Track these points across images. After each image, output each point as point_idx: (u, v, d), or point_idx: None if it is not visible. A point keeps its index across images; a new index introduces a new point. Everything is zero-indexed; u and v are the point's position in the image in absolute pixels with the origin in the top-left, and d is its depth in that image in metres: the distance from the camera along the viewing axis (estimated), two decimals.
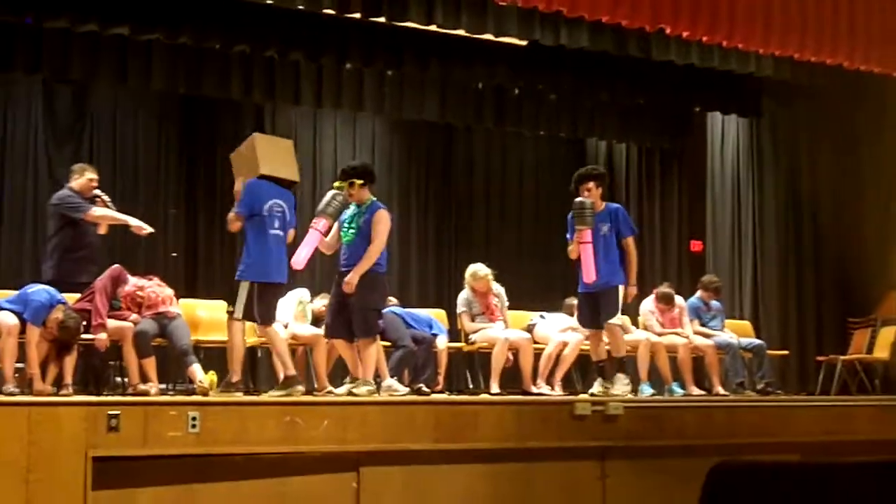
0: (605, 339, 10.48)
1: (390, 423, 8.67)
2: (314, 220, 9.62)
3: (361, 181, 9.67)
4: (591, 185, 10.53)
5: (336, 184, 9.77)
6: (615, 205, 10.77)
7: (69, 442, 7.53)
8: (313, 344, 10.30)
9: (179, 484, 7.93)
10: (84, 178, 10.60)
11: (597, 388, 10.33)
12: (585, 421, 9.42)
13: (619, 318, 10.49)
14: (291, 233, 9.51)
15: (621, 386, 10.28)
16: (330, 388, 9.96)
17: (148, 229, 10.77)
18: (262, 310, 9.26)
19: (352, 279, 9.27)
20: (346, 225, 9.63)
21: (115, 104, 14.02)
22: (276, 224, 9.31)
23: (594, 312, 10.46)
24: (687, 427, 9.98)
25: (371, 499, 8.51)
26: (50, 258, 10.57)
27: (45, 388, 8.90)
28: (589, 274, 10.24)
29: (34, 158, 13.42)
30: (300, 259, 9.50)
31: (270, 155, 9.59)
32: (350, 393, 9.27)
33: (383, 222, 9.58)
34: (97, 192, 10.66)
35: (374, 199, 9.81)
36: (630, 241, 10.51)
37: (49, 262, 10.55)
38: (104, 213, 10.58)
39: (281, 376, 9.58)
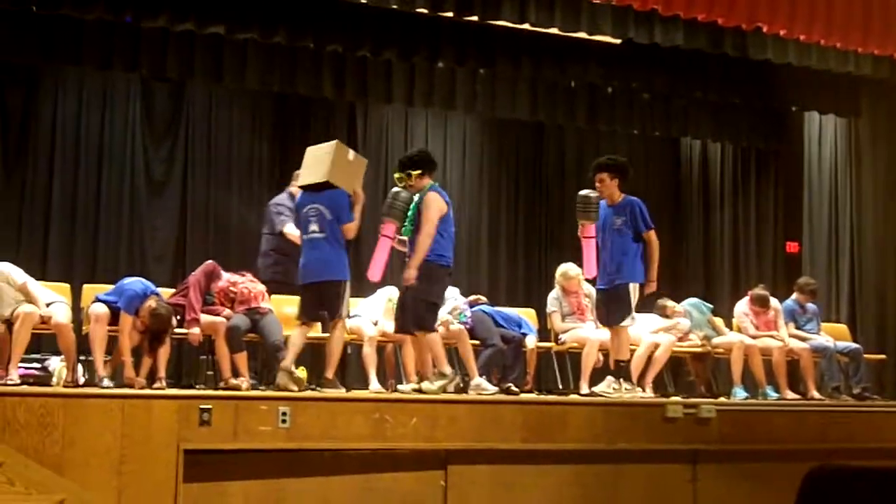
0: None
1: (478, 422, 8.67)
2: (382, 226, 9.53)
3: (419, 171, 9.44)
4: (605, 176, 10.23)
5: (395, 175, 9.67)
6: (633, 198, 10.31)
7: (161, 435, 7.64)
8: (402, 341, 10.29)
9: (269, 478, 8.01)
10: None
11: (603, 386, 10.09)
12: (677, 423, 9.36)
13: (631, 319, 10.11)
14: (350, 226, 9.40)
15: (606, 387, 10.03)
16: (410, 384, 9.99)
17: None
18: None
19: (408, 273, 9.12)
20: (408, 217, 9.46)
21: (211, 102, 14.14)
22: (311, 227, 9.34)
23: (608, 311, 10.26)
24: (780, 431, 9.87)
25: (458, 497, 8.51)
26: (266, 257, 11.15)
27: (136, 378, 9.02)
28: (589, 269, 10.14)
29: (131, 156, 13.59)
30: (375, 272, 9.50)
31: (341, 165, 9.53)
32: (419, 390, 9.17)
33: (432, 206, 9.25)
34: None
35: (433, 184, 9.50)
36: (650, 235, 10.16)
37: (265, 261, 11.13)
38: (293, 235, 10.59)
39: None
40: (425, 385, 9.17)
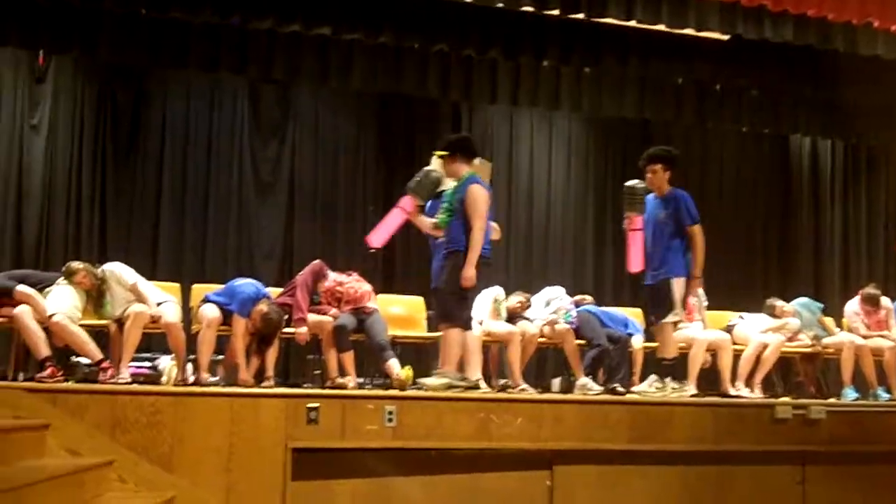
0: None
1: (584, 422, 8.63)
2: (402, 198, 9.33)
3: (451, 153, 9.18)
4: (659, 167, 9.92)
5: (435, 153, 9.42)
6: (680, 191, 9.93)
7: (270, 433, 7.72)
8: (507, 341, 10.28)
9: (375, 476, 8.02)
10: None
11: (644, 385, 9.86)
12: (786, 424, 9.24)
13: (675, 315, 9.76)
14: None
15: (647, 386, 9.76)
16: (524, 385, 9.95)
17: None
18: None
19: (467, 272, 8.78)
20: (441, 204, 9.18)
21: (317, 103, 14.24)
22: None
23: (652, 306, 10.01)
24: (892, 432, 9.67)
25: (565, 497, 8.48)
26: None
27: (248, 379, 9.13)
28: (634, 263, 9.85)
29: (239, 156, 13.74)
30: (378, 238, 9.37)
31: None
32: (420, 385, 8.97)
33: (480, 200, 8.92)
34: None
35: (472, 174, 9.17)
36: (695, 230, 9.73)
37: None
38: None
39: None
40: (425, 379, 8.98)
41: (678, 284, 9.69)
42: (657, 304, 9.80)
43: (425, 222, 9.27)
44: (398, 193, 13.65)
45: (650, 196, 9.95)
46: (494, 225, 9.46)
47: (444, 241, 9.04)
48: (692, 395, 10.24)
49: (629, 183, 9.98)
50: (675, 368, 9.98)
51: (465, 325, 9.06)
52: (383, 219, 9.42)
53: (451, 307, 8.98)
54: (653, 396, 9.51)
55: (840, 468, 9.32)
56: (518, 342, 10.29)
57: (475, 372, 9.07)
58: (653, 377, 9.79)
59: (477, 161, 9.61)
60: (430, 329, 11.25)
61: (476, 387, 8.93)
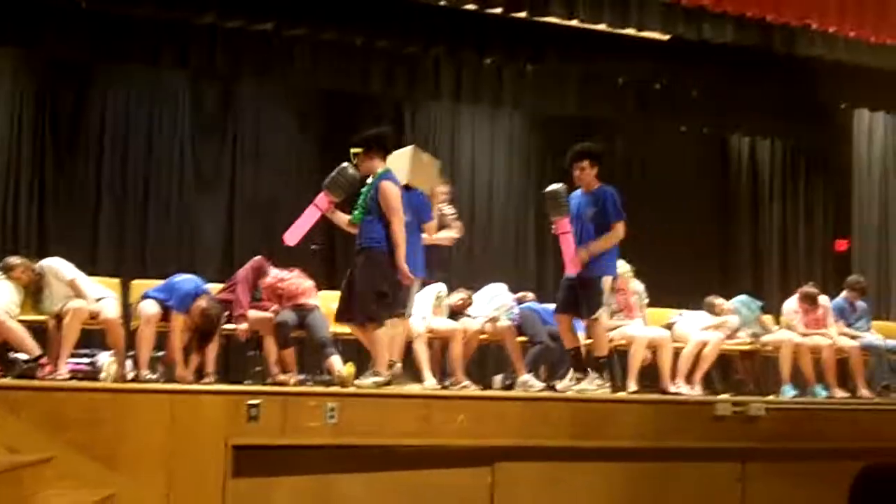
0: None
1: (526, 420, 8.66)
2: (318, 196, 9.27)
3: (367, 149, 9.10)
4: (586, 163, 9.79)
5: (352, 150, 9.24)
6: (608, 188, 9.83)
7: (210, 430, 7.68)
8: (449, 337, 10.29)
9: (317, 474, 8.01)
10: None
11: (565, 382, 9.72)
12: (726, 421, 9.31)
13: (604, 311, 9.77)
14: (431, 225, 9.55)
15: (588, 384, 9.51)
16: (466, 382, 9.95)
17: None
18: None
19: (402, 270, 8.78)
20: (358, 203, 9.14)
21: (259, 100, 14.19)
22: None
23: (577, 303, 9.75)
24: (830, 430, 9.77)
25: (506, 494, 8.50)
26: None
27: (186, 375, 9.10)
28: (571, 266, 9.62)
29: (180, 152, 13.67)
30: (293, 236, 9.31)
31: (418, 168, 9.66)
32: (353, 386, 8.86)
33: (392, 196, 8.84)
34: (441, 205, 10.82)
35: (386, 170, 9.09)
36: (618, 227, 9.69)
37: None
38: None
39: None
40: (360, 380, 8.90)
41: (607, 283, 9.73)
42: (584, 300, 9.66)
43: (342, 219, 9.27)
44: None
45: (577, 192, 9.88)
46: (458, 224, 9.47)
47: (357, 238, 9.00)
48: (633, 392, 10.31)
49: (550, 188, 9.85)
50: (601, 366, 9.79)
51: (396, 317, 9.01)
52: (299, 216, 9.35)
53: (367, 305, 8.85)
54: (572, 389, 9.43)
55: (779, 465, 9.39)
56: (460, 339, 10.30)
57: (384, 369, 8.89)
58: (593, 375, 9.60)
59: (426, 158, 9.62)
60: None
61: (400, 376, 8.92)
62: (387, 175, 9.00)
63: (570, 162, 9.89)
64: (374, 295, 8.79)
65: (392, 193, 8.84)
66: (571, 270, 9.62)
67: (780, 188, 16.10)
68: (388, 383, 8.69)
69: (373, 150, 9.08)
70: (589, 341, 10.00)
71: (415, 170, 9.55)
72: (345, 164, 9.24)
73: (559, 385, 9.80)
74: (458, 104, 14.14)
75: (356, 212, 9.06)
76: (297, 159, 14.24)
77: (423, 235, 9.64)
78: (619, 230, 9.66)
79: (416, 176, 9.52)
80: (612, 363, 10.32)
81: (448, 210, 10.64)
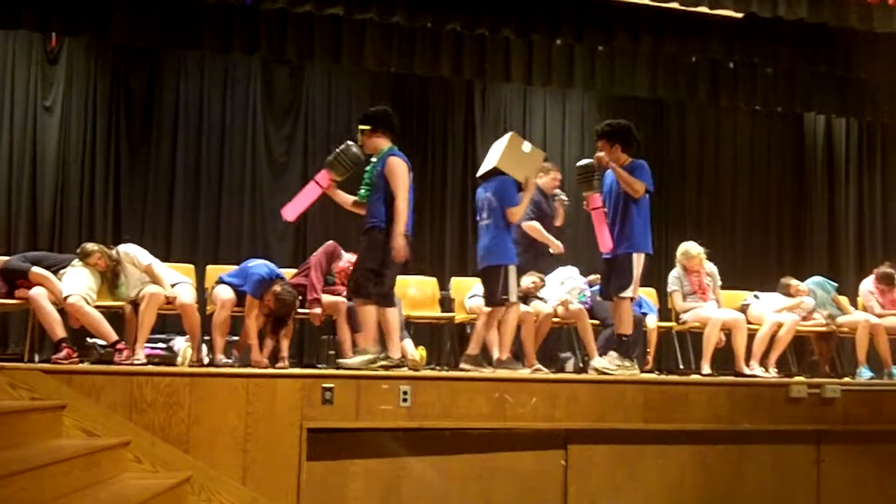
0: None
1: (599, 402, 8.65)
2: (319, 173, 9.32)
3: (369, 127, 9.12)
4: (602, 143, 9.70)
5: (360, 128, 9.23)
6: (639, 161, 9.72)
7: (285, 413, 7.77)
8: (521, 321, 10.25)
9: (390, 457, 8.05)
10: (548, 176, 11.09)
11: (605, 362, 9.48)
12: (801, 404, 9.24)
13: (630, 291, 9.53)
14: (514, 210, 9.46)
15: (609, 363, 9.41)
16: (538, 365, 9.94)
17: (560, 249, 10.86)
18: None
19: (397, 242, 8.72)
20: (364, 180, 9.19)
21: (330, 83, 14.23)
22: (482, 215, 9.49)
23: (608, 280, 9.79)
24: None
25: (578, 476, 8.51)
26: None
27: (261, 359, 9.15)
28: (604, 242, 9.58)
29: (252, 137, 13.73)
30: (291, 212, 9.28)
31: (513, 155, 9.62)
32: (339, 365, 8.89)
33: (400, 173, 8.86)
34: (557, 191, 11.15)
35: (392, 147, 9.09)
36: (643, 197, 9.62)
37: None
38: (532, 227, 10.76)
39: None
40: (344, 361, 8.90)
41: (638, 260, 9.56)
42: (616, 278, 9.60)
43: (343, 198, 9.33)
44: (412, 173, 13.76)
45: (609, 171, 9.78)
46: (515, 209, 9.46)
47: (365, 218, 9.03)
48: (707, 375, 10.26)
49: (580, 162, 9.86)
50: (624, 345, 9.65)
51: (382, 301, 8.90)
52: (299, 192, 9.37)
53: (359, 282, 8.85)
54: (615, 374, 9.28)
55: (855, 447, 9.34)
56: (532, 322, 10.28)
57: (396, 350, 8.91)
58: (613, 354, 9.52)
59: (527, 147, 9.61)
60: (443, 309, 11.27)
61: (399, 365, 8.83)
62: (393, 151, 9.02)
63: (596, 141, 9.83)
64: (364, 272, 8.81)
65: (399, 168, 8.86)
66: (605, 248, 9.59)
67: (855, 167, 15.88)
68: (374, 361, 8.64)
69: (378, 128, 9.10)
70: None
71: (508, 155, 9.55)
72: (349, 142, 9.28)
73: (593, 363, 9.69)
74: (528, 85, 14.07)
75: (362, 190, 9.15)
76: None
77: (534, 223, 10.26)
78: (644, 200, 9.61)
79: (509, 162, 9.53)
80: (633, 344, 10.07)
81: (563, 197, 10.98)
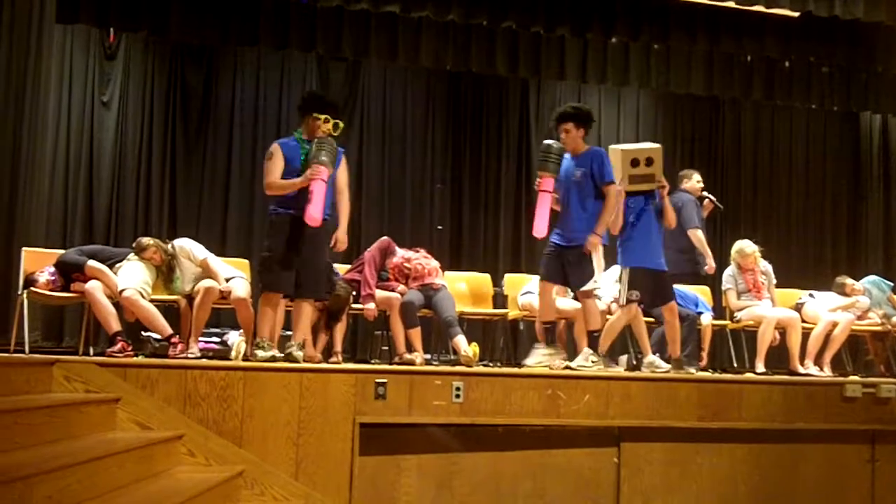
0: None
1: (652, 400, 8.62)
2: (539, 181, 9.28)
3: (573, 124, 9.28)
4: (571, 125, 9.44)
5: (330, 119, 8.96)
6: (597, 148, 9.62)
7: (338, 408, 7.79)
8: (575, 318, 10.24)
9: (443, 452, 8.06)
10: (692, 181, 11.66)
11: (580, 360, 9.34)
12: (856, 403, 9.17)
13: (595, 282, 9.41)
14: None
15: (583, 360, 9.27)
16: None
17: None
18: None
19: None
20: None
21: (385, 80, 14.27)
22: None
23: (566, 273, 9.50)
24: None
25: (632, 474, 8.49)
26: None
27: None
28: (538, 227, 9.19)
29: None
30: (541, 228, 9.18)
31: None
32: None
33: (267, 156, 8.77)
34: (704, 192, 11.66)
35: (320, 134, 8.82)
36: (611, 189, 9.34)
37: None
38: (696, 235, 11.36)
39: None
40: (257, 352, 8.58)
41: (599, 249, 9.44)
42: (572, 270, 9.41)
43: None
44: (466, 170, 13.77)
45: (566, 156, 9.55)
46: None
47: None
48: (761, 374, 10.21)
49: (546, 141, 9.52)
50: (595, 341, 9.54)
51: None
52: (536, 208, 9.24)
53: (261, 271, 8.80)
54: (589, 370, 9.11)
55: None
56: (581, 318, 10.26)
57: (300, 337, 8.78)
58: (587, 351, 9.40)
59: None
60: (495, 306, 11.28)
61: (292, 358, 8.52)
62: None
63: (553, 125, 9.69)
64: (264, 259, 8.77)
65: (269, 156, 8.79)
66: (539, 233, 9.26)
67: None
68: (272, 358, 8.38)
69: (304, 113, 8.94)
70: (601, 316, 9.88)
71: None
72: (547, 141, 9.33)
73: (574, 363, 9.42)
74: (584, 83, 14.04)
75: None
76: (423, 140, 14.29)
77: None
78: (612, 193, 9.38)
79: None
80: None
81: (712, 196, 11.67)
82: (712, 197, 11.77)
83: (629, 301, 9.59)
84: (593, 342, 9.44)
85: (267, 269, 8.63)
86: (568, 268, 9.43)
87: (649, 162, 9.61)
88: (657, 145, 9.90)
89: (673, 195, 10.78)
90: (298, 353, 8.48)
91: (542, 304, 9.71)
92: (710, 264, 11.25)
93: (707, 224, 11.64)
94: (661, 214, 9.69)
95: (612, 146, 10.03)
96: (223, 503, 6.92)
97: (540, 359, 9.39)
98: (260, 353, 8.40)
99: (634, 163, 9.57)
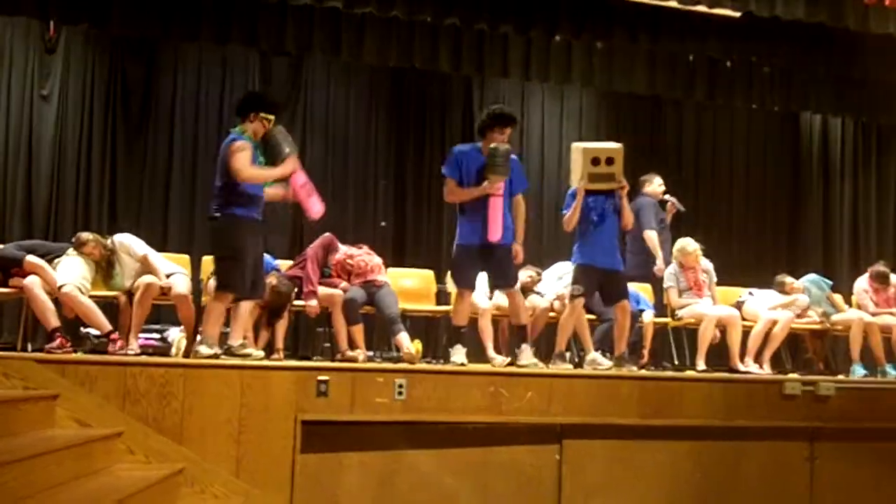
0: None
1: (594, 397, 8.63)
2: (488, 185, 9.07)
3: (250, 113, 8.76)
4: (509, 129, 9.36)
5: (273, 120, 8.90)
6: (514, 156, 9.43)
7: (280, 405, 7.74)
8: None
9: (385, 450, 8.05)
10: (654, 185, 11.91)
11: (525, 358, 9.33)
12: (795, 401, 9.24)
13: (451, 283, 9.37)
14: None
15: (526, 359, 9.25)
16: (534, 359, 9.92)
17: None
18: None
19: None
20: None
21: (328, 76, 14.23)
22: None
23: (495, 274, 9.54)
24: None
25: (574, 471, 8.51)
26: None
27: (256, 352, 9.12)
28: (495, 231, 9.10)
29: None
30: (497, 231, 9.12)
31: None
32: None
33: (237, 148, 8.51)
34: (666, 196, 11.95)
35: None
36: (520, 199, 9.42)
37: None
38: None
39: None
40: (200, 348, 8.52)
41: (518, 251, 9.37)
42: (500, 269, 9.36)
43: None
44: (409, 166, 13.77)
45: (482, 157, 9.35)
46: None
47: None
48: (702, 371, 10.27)
49: (492, 145, 9.22)
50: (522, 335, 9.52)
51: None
52: (489, 215, 9.10)
53: (217, 272, 8.75)
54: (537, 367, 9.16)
55: (849, 444, 9.33)
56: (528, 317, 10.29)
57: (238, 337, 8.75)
58: (525, 346, 9.35)
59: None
60: (438, 303, 11.27)
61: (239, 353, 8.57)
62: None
63: (494, 126, 9.31)
64: (218, 261, 8.71)
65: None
66: (495, 237, 9.14)
67: (851, 166, 15.94)
68: (216, 356, 8.34)
69: (242, 114, 8.81)
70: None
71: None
72: (492, 144, 9.12)
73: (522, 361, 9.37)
74: (527, 81, 14.08)
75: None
76: (366, 136, 14.27)
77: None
78: (521, 203, 9.46)
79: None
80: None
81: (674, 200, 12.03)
82: (674, 200, 11.90)
83: (573, 297, 9.64)
84: (526, 337, 9.43)
85: (231, 269, 8.50)
86: (498, 269, 9.40)
87: (610, 161, 9.65)
88: (618, 145, 9.91)
89: (634, 198, 11.06)
90: (259, 353, 8.61)
91: (466, 307, 9.53)
92: (659, 265, 11.33)
93: (671, 225, 11.84)
94: (619, 215, 9.73)
95: (574, 143, 10.09)
96: (163, 500, 6.85)
97: (533, 359, 9.30)
98: (205, 349, 8.32)
99: (595, 161, 9.63)
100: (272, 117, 8.73)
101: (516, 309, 9.48)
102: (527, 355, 9.26)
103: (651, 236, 11.42)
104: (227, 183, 8.45)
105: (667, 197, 11.85)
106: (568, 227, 9.76)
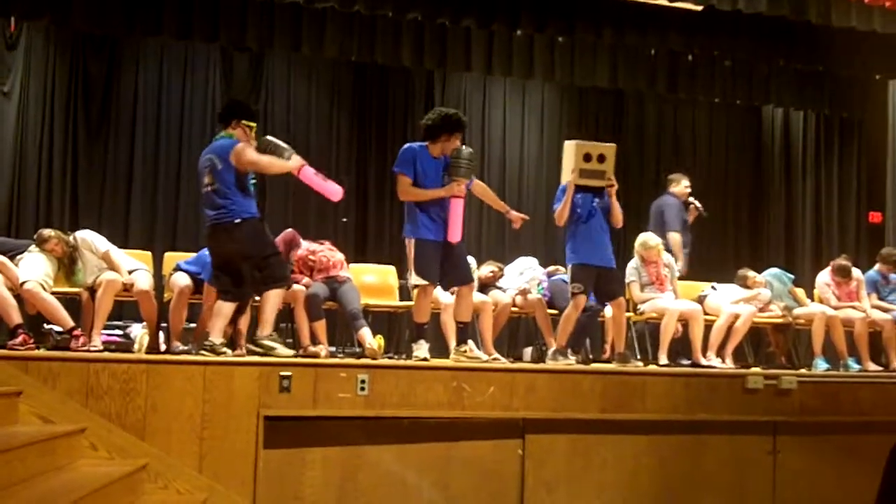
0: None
1: (557, 392, 8.66)
2: (454, 187, 9.04)
3: (233, 119, 8.90)
4: (454, 135, 9.18)
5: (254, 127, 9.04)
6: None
7: (242, 401, 7.75)
8: (480, 310, 10.27)
9: (348, 445, 8.05)
10: (680, 185, 12.09)
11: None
12: (757, 394, 9.30)
13: (415, 278, 9.16)
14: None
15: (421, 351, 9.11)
16: (496, 354, 9.94)
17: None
18: None
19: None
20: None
21: (290, 71, 14.21)
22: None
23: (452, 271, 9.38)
24: (863, 403, 9.76)
25: (536, 466, 8.54)
26: None
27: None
28: (455, 233, 9.10)
29: (211, 125, 13.63)
30: (456, 233, 9.11)
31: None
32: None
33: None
34: (691, 199, 12.05)
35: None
36: (478, 182, 9.57)
37: None
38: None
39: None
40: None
41: (413, 246, 9.22)
42: (458, 268, 9.34)
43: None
44: (372, 161, 13.76)
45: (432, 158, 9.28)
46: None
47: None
48: (663, 365, 10.31)
49: (458, 147, 9.16)
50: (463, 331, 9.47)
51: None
52: (450, 217, 9.06)
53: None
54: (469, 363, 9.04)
55: (811, 438, 9.41)
56: (490, 312, 10.31)
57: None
58: (422, 342, 9.20)
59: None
60: (401, 298, 11.26)
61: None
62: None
63: (444, 131, 9.16)
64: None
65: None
66: (456, 238, 9.14)
67: (813, 160, 15.99)
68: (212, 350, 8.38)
69: (222, 121, 8.96)
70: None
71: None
72: (460, 147, 9.09)
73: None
74: (489, 75, 14.10)
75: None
76: (327, 132, 14.27)
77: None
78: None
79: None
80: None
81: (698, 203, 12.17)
82: (697, 203, 11.98)
83: (573, 294, 9.73)
84: (461, 333, 9.35)
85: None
86: (451, 266, 9.32)
87: (601, 159, 9.77)
88: (612, 145, 10.00)
89: (658, 198, 11.65)
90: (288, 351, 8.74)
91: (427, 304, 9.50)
92: (681, 267, 11.43)
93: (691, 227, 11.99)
94: (608, 213, 9.78)
95: (567, 141, 10.13)
96: (126, 497, 6.83)
97: (427, 354, 9.14)
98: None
99: (587, 157, 9.74)
100: (254, 124, 8.88)
101: (467, 307, 9.41)
102: (423, 350, 9.10)
103: (675, 238, 11.52)
104: (236, 185, 8.63)
105: (691, 199, 11.93)
106: (559, 221, 9.86)
